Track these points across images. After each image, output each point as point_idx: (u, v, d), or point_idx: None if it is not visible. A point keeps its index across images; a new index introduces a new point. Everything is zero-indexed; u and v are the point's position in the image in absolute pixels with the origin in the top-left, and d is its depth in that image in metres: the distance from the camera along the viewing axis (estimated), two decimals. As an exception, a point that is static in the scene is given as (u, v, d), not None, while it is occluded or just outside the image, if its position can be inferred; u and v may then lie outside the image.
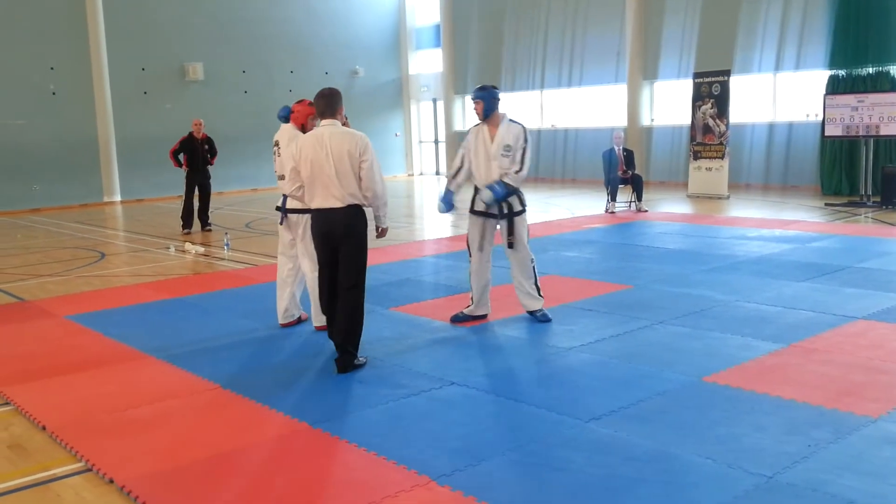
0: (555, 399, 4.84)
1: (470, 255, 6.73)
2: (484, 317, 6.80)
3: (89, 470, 4.15)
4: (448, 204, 6.68)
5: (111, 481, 3.98)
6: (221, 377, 5.51)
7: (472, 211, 6.63)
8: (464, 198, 6.73)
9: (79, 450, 4.36)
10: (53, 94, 18.37)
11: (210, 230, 13.38)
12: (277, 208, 6.67)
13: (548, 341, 6.09)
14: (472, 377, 5.31)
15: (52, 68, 18.28)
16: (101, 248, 12.18)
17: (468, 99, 23.22)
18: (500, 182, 6.37)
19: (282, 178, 6.46)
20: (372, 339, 6.31)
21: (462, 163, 6.59)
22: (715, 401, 4.73)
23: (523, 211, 6.61)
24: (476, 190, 6.57)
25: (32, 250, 12.16)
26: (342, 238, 5.43)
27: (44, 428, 4.75)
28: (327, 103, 5.53)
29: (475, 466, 3.95)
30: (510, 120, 6.51)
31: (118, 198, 19.31)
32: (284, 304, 6.80)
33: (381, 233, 5.79)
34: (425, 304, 7.54)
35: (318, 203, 5.44)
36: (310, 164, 5.37)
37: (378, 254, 10.40)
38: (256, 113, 20.67)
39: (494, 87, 6.55)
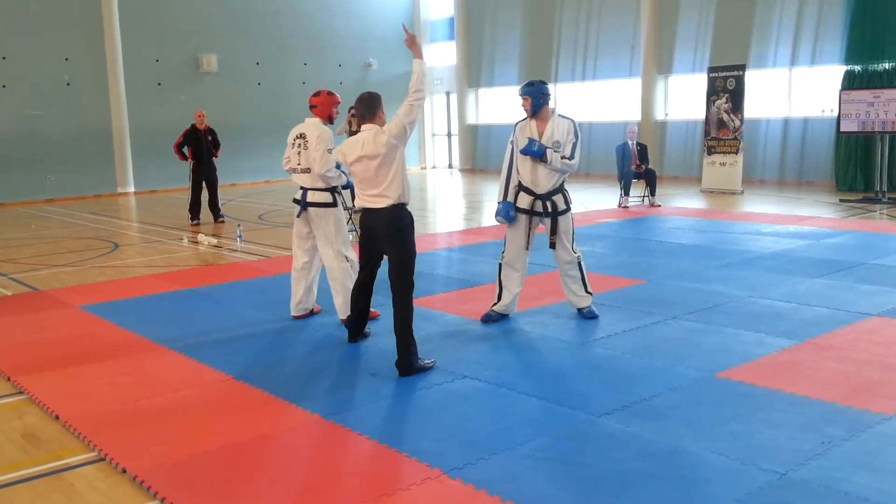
0: (567, 393, 4.82)
1: (504, 254, 6.50)
2: (506, 316, 6.65)
3: (102, 460, 4.17)
4: (507, 216, 6.38)
5: (124, 471, 4.00)
6: (234, 368, 5.52)
7: (516, 209, 6.41)
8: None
9: (92, 440, 4.38)
10: (68, 84, 18.44)
11: (223, 222, 13.40)
12: (295, 200, 6.62)
13: (560, 336, 6.07)
14: (485, 371, 5.30)
15: (67, 59, 18.34)
16: (115, 238, 12.23)
17: (482, 92, 23.20)
18: (542, 146, 6.18)
19: (306, 171, 6.47)
20: (383, 331, 6.31)
21: (511, 164, 6.38)
22: (728, 397, 4.71)
23: (568, 210, 6.44)
24: (519, 188, 6.38)
25: (47, 240, 12.23)
26: (386, 235, 5.39)
27: (57, 417, 4.78)
28: (367, 107, 5.49)
29: (487, 460, 3.94)
30: (560, 115, 6.39)
31: (132, 189, 19.38)
32: (298, 297, 6.81)
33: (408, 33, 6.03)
34: (438, 297, 7.53)
35: (362, 203, 5.47)
36: (353, 166, 5.44)
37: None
38: (270, 105, 20.70)
39: (543, 83, 6.38)
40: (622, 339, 5.92)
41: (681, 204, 14.09)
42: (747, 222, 11.57)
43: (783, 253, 9.08)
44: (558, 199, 6.36)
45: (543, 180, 6.28)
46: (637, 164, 13.71)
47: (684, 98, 18.66)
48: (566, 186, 6.49)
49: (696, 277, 7.92)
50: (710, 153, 15.86)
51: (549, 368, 5.37)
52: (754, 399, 4.65)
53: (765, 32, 16.92)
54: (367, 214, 5.48)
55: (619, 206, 13.64)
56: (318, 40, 22.16)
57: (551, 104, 6.47)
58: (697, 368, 5.21)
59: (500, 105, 22.75)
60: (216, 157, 13.43)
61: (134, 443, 4.32)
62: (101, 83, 18.82)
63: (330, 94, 6.63)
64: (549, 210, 6.35)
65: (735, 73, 15.49)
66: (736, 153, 15.42)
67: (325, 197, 6.49)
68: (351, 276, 6.43)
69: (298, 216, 6.63)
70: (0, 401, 5.17)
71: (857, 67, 15.52)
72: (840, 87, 15.22)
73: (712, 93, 15.77)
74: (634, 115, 19.13)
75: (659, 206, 13.53)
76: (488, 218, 13.65)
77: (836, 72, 15.94)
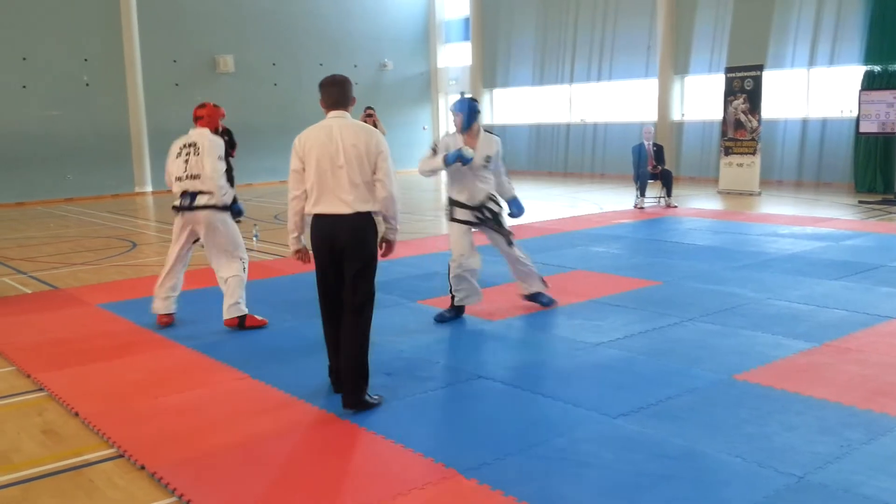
0: (582, 394, 4.82)
1: (454, 261, 6.61)
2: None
3: (121, 456, 4.21)
4: (460, 154, 6.37)
5: (142, 467, 4.03)
6: (250, 367, 5.55)
7: (454, 219, 6.64)
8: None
9: (111, 436, 4.42)
10: (87, 85, 18.57)
11: (239, 221, 13.42)
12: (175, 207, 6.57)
13: (575, 337, 6.07)
14: (500, 371, 5.31)
15: (86, 60, 18.48)
16: (133, 237, 12.31)
17: (496, 92, 23.19)
18: (514, 200, 6.86)
19: (195, 177, 6.51)
20: (399, 331, 6.33)
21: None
22: (745, 399, 4.69)
23: (502, 211, 6.80)
24: (451, 202, 6.62)
25: (65, 239, 12.32)
26: (350, 250, 4.66)
27: (76, 414, 4.82)
28: (341, 91, 4.78)
29: (502, 460, 3.95)
30: (486, 130, 6.66)
31: (149, 188, 19.49)
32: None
33: (387, 248, 4.97)
34: (449, 298, 7.52)
35: (322, 208, 4.67)
36: (315, 162, 4.65)
37: (405, 247, 10.41)
38: (286, 105, 20.78)
39: (474, 100, 6.65)
40: (638, 341, 5.91)
41: (697, 205, 14.03)
42: (765, 224, 11.51)
43: (801, 255, 9.03)
44: (492, 205, 6.69)
45: (478, 193, 6.57)
46: (653, 165, 13.67)
47: (701, 98, 18.59)
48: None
49: (713, 279, 7.89)
50: (727, 154, 15.79)
51: (564, 369, 5.36)
52: (772, 401, 4.63)
53: (783, 32, 16.83)
54: (326, 221, 4.71)
55: (635, 206, 13.60)
56: (333, 41, 22.22)
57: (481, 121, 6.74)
58: (714, 370, 5.19)
59: (516, 105, 22.74)
60: (232, 157, 13.42)
61: (152, 439, 4.36)
62: (119, 84, 18.95)
63: (216, 106, 6.86)
64: (489, 216, 6.65)
65: (752, 73, 15.42)
66: (753, 154, 15.34)
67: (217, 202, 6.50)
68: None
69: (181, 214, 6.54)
70: (20, 397, 5.23)
71: (877, 68, 15.40)
72: (859, 88, 15.11)
73: (729, 93, 15.70)
74: (650, 115, 19.07)
75: (675, 206, 13.48)
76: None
77: (855, 72, 15.83)
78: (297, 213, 4.82)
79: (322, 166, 4.64)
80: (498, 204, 6.74)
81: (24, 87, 17.74)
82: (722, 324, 6.28)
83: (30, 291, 8.47)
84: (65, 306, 7.66)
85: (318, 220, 4.72)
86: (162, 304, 6.74)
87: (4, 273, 9.52)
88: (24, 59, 17.70)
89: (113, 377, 5.48)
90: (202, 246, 6.70)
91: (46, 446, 4.40)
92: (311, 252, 4.92)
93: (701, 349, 5.66)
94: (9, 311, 7.49)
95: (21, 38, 17.61)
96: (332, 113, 4.78)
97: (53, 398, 5.14)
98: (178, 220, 6.67)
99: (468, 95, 6.67)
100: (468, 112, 6.50)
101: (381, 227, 4.89)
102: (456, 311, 6.70)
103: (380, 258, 4.87)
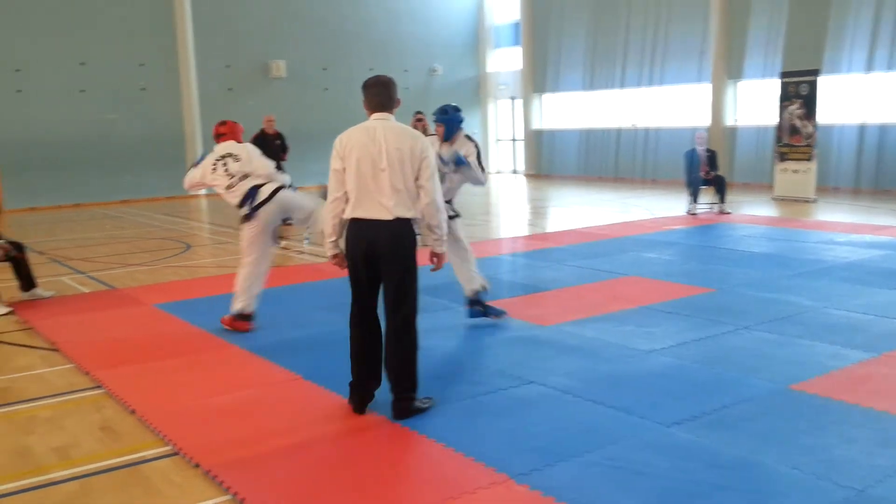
0: (635, 402, 4.77)
1: None
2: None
3: (176, 454, 4.28)
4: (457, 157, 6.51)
5: (197, 466, 4.09)
6: (302, 368, 5.60)
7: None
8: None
9: (166, 434, 4.50)
10: (143, 90, 18.97)
11: (291, 224, 13.57)
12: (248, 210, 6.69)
13: (627, 343, 6.00)
14: (551, 377, 5.27)
15: (142, 65, 18.88)
16: (187, 239, 12.53)
17: (546, 97, 23.10)
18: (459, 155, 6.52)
19: (245, 177, 6.66)
20: (449, 335, 6.34)
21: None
22: (802, 410, 4.59)
23: (457, 216, 6.69)
24: None
25: (121, 240, 12.59)
26: (388, 257, 4.51)
27: (133, 411, 4.91)
28: (386, 93, 4.61)
29: (553, 467, 3.92)
30: (466, 136, 6.65)
31: (203, 191, 19.75)
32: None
33: (438, 261, 4.79)
34: (503, 301, 7.50)
35: (361, 212, 4.51)
36: (355, 163, 4.51)
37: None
38: (336, 109, 20.93)
39: (457, 109, 6.61)
40: (691, 349, 5.83)
41: (751, 211, 13.80)
42: (821, 231, 11.27)
43: (859, 263, 8.82)
44: (454, 205, 6.74)
45: (449, 193, 6.59)
46: (706, 171, 13.48)
47: (755, 103, 18.29)
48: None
49: (768, 287, 7.75)
50: (782, 160, 15.50)
51: (615, 376, 5.31)
52: (830, 413, 4.53)
53: (839, 37, 16.48)
54: (363, 226, 4.55)
55: (688, 212, 13.43)
56: (383, 46, 22.37)
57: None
58: (770, 380, 5.09)
59: (566, 110, 22.63)
60: (284, 160, 13.64)
61: (206, 438, 4.42)
62: (174, 88, 19.33)
63: (235, 122, 7.09)
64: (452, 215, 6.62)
65: (808, 78, 15.11)
66: (809, 160, 15.04)
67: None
68: None
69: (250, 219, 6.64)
70: (79, 394, 5.35)
71: (939, 72, 15.01)
72: (920, 93, 14.73)
73: (784, 98, 15.42)
74: (703, 120, 18.82)
75: (729, 213, 13.28)
76: (553, 223, 13.59)
77: (915, 77, 15.44)
78: (336, 216, 4.65)
79: (363, 169, 4.48)
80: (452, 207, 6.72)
81: (82, 91, 18.20)
82: (778, 332, 6.17)
83: (88, 291, 8.67)
84: (122, 306, 7.82)
85: (356, 224, 4.54)
86: (250, 304, 6.77)
87: (63, 273, 9.76)
88: (83, 63, 18.16)
89: (168, 376, 5.59)
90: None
91: (104, 443, 4.50)
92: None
93: (756, 358, 5.56)
94: (68, 310, 7.67)
95: (80, 44, 18.08)
96: (376, 115, 4.62)
97: (111, 395, 5.25)
98: (254, 224, 6.68)
99: (452, 104, 6.67)
100: (451, 123, 6.51)
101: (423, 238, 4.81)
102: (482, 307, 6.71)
103: (431, 272, 4.77)
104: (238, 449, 4.27)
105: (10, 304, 7.86)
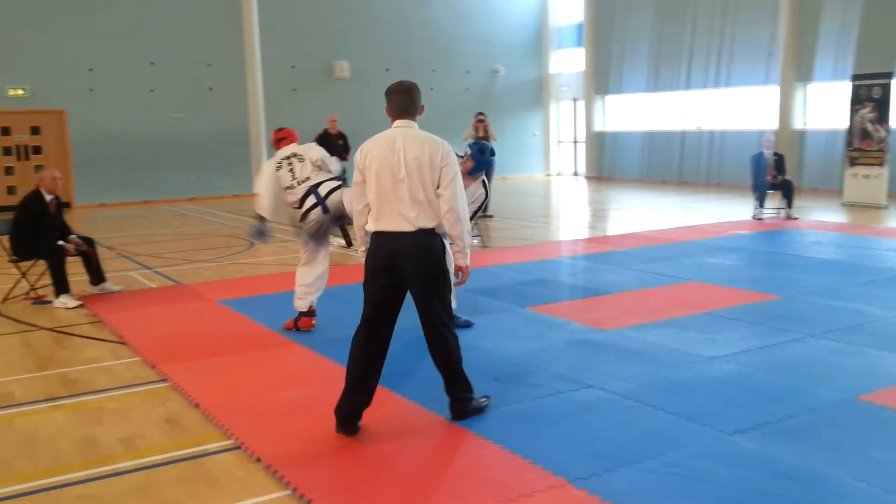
0: (697, 409, 4.69)
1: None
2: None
3: (238, 448, 4.35)
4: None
5: (258, 460, 4.16)
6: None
7: None
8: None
9: (229, 428, 4.58)
10: (210, 89, 19.37)
11: (351, 224, 13.71)
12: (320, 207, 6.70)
13: (690, 349, 5.91)
14: (611, 381, 5.22)
15: (209, 65, 19.28)
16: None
17: (609, 99, 22.88)
18: None
19: (306, 179, 6.69)
20: (508, 337, 6.32)
21: None
22: (871, 421, 4.47)
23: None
24: None
25: (188, 237, 12.87)
26: (414, 271, 4.33)
27: (197, 405, 5.01)
28: (409, 99, 4.46)
29: (612, 472, 3.88)
30: (483, 182, 6.71)
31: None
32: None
33: (462, 275, 4.56)
34: (563, 304, 7.48)
35: (382, 225, 4.35)
36: (375, 175, 4.35)
37: (515, 253, 10.41)
38: (398, 110, 21.08)
39: (493, 154, 6.78)
40: (755, 356, 5.71)
41: (820, 217, 13.46)
42: (892, 238, 10.93)
43: (933, 272, 8.53)
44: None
45: None
46: (773, 175, 13.19)
47: (825, 107, 17.83)
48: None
49: (837, 294, 7.54)
50: (852, 165, 15.08)
51: (677, 382, 5.23)
52: (901, 425, 4.40)
53: (916, 38, 15.96)
54: (385, 240, 4.38)
55: (753, 217, 13.15)
56: (445, 47, 22.43)
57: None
58: (838, 390, 4.96)
59: (629, 112, 22.38)
60: (346, 160, 13.80)
61: (267, 433, 4.49)
62: (240, 88, 19.69)
63: (291, 129, 7.12)
64: None
65: (881, 80, 14.68)
66: (881, 165, 14.59)
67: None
68: None
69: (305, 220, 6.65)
70: (145, 387, 5.48)
71: None
72: None
73: (856, 101, 15.00)
74: (770, 123, 18.42)
75: (796, 218, 12.97)
76: (614, 226, 13.46)
77: None
78: (361, 228, 4.53)
79: (382, 180, 4.32)
80: None
81: (151, 90, 18.66)
82: (846, 342, 6.00)
83: (155, 286, 8.89)
84: (187, 301, 7.99)
85: (379, 237, 4.37)
86: (309, 303, 6.82)
87: (131, 268, 10.02)
88: (152, 63, 18.61)
89: (232, 371, 5.69)
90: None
91: (169, 435, 4.60)
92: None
93: (823, 367, 5.42)
94: (135, 305, 7.87)
95: (150, 45, 18.55)
96: (398, 122, 4.45)
97: (176, 389, 5.37)
98: (307, 224, 6.72)
99: (491, 148, 6.77)
100: (481, 165, 6.59)
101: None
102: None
103: (455, 286, 4.53)
104: (299, 444, 4.33)
105: (80, 298, 8.10)
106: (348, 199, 6.76)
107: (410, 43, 21.89)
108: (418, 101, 4.49)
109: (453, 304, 6.65)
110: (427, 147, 4.33)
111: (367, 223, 4.48)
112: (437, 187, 4.32)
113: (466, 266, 4.53)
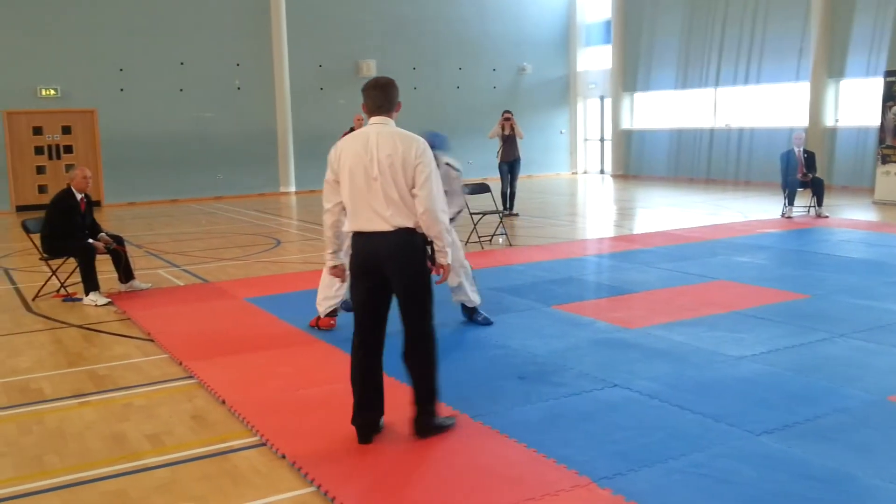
0: (723, 409, 4.64)
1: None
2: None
3: (263, 444, 4.38)
4: None
5: (283, 457, 4.18)
6: (386, 365, 5.61)
7: None
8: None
9: (254, 424, 4.61)
10: (238, 89, 19.50)
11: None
12: None
13: (717, 349, 5.85)
14: (636, 380, 5.19)
15: (238, 65, 19.41)
16: (277, 235, 12.82)
17: (637, 96, 22.74)
18: None
19: None
20: (533, 335, 6.30)
21: None
22: (902, 422, 4.40)
23: None
24: None
25: (215, 235, 12.97)
26: (395, 270, 4.24)
27: (223, 402, 5.05)
28: (384, 95, 4.31)
29: (637, 472, 3.86)
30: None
31: (293, 188, 20.26)
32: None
33: (441, 272, 4.34)
34: (588, 303, 7.44)
35: (360, 225, 4.25)
36: (348, 174, 4.23)
37: (541, 251, 10.38)
38: (425, 109, 21.09)
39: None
40: (783, 356, 5.64)
41: (850, 215, 13.28)
42: (925, 237, 10.76)
43: (967, 271, 8.38)
44: None
45: None
46: (803, 173, 13.04)
47: (857, 103, 17.58)
48: None
49: (867, 294, 7.44)
50: (884, 162, 14.87)
51: (703, 382, 5.18)
52: (932, 427, 4.33)
53: (951, 33, 15.69)
54: (364, 240, 4.27)
55: (783, 215, 13.01)
56: (472, 45, 22.41)
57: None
58: (867, 390, 4.89)
59: (656, 109, 22.22)
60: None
61: (292, 430, 4.51)
62: (268, 87, 19.81)
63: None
64: None
65: (915, 76, 14.45)
66: (914, 163, 14.38)
67: None
68: None
69: None
70: (172, 384, 5.53)
71: None
72: None
73: (888, 98, 14.79)
74: (801, 120, 18.20)
75: (826, 217, 12.81)
76: (640, 225, 13.37)
77: None
78: (329, 228, 4.41)
79: (356, 180, 4.19)
80: None
81: (180, 90, 18.83)
82: (876, 342, 5.91)
83: (182, 284, 8.96)
84: (214, 299, 8.05)
85: (358, 239, 4.27)
86: (332, 304, 6.79)
87: (159, 266, 10.11)
88: (182, 63, 18.77)
89: (257, 368, 5.72)
90: None
91: (195, 431, 4.64)
92: (347, 271, 4.48)
93: (853, 367, 5.35)
94: (162, 302, 7.95)
95: (179, 45, 18.71)
96: (373, 119, 4.30)
97: (202, 385, 5.41)
98: None
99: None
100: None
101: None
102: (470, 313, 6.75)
103: (436, 284, 4.42)
104: (323, 442, 4.35)
105: (109, 295, 8.20)
106: None
107: (437, 41, 21.89)
108: (395, 97, 4.35)
109: (477, 301, 6.71)
110: (401, 145, 4.18)
111: (336, 222, 4.39)
112: (413, 187, 4.18)
113: (447, 265, 4.34)
